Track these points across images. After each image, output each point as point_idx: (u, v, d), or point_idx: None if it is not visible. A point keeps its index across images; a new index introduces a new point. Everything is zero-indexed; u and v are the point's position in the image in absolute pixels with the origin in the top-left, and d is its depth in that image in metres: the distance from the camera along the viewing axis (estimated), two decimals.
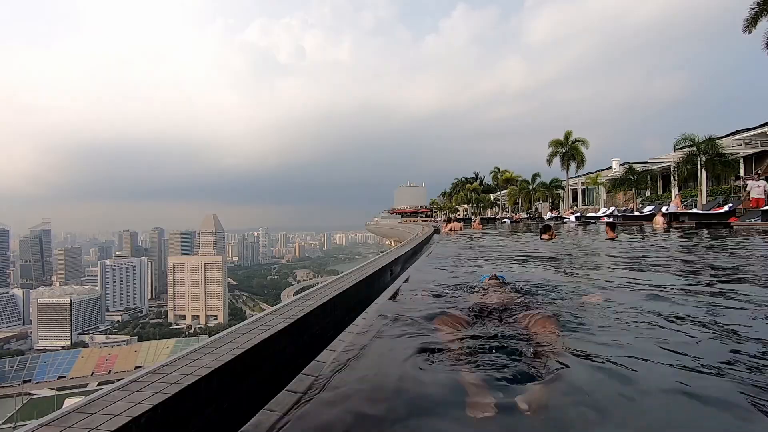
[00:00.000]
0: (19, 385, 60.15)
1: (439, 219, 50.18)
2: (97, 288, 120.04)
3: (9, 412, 48.08)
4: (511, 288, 3.78)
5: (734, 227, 13.99)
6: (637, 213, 23.29)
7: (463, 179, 69.63)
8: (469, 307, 3.05)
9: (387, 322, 2.83)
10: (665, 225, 15.16)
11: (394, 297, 3.84)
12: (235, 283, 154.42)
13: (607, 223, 11.36)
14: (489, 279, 3.92)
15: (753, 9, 16.01)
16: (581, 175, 36.90)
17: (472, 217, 46.93)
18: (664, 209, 19.86)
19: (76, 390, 58.59)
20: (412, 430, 1.55)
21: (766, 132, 19.92)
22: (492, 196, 55.79)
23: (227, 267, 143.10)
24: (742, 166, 22.14)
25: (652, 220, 16.72)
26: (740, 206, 17.50)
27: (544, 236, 10.15)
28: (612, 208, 27.04)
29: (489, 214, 52.27)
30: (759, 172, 21.33)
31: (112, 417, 1.14)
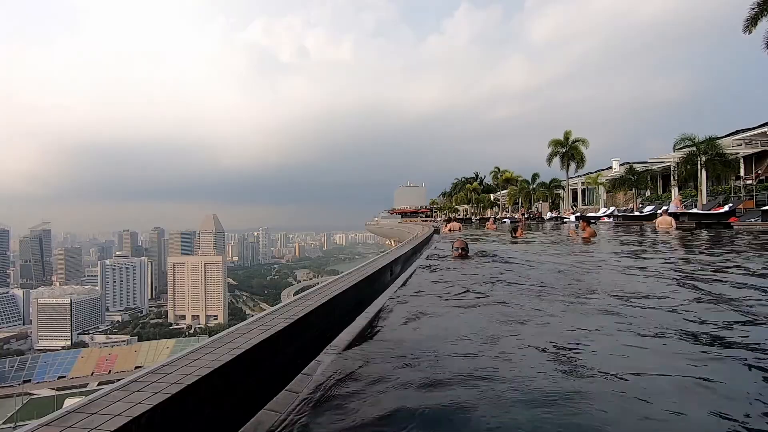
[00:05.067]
0: (19, 385, 60.11)
1: (439, 219, 50.18)
2: (97, 288, 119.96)
3: (9, 412, 48.17)
4: (468, 250, 7.17)
5: (734, 227, 13.99)
6: (637, 213, 23.30)
7: (463, 179, 69.62)
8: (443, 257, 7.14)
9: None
10: (673, 225, 13.93)
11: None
12: (235, 283, 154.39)
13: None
14: (454, 249, 7.06)
15: (753, 9, 15.99)
16: (581, 175, 36.86)
17: (472, 218, 46.96)
18: (663, 209, 19.75)
19: (76, 390, 58.63)
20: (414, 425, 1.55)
21: (766, 132, 19.91)
22: (492, 196, 55.82)
23: (227, 267, 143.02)
24: (742, 166, 22.14)
25: (656, 220, 15.19)
26: (740, 206, 17.48)
27: (516, 234, 12.13)
28: (612, 208, 27.06)
29: (489, 214, 52.32)
30: (759, 172, 21.33)
31: (112, 417, 1.14)
